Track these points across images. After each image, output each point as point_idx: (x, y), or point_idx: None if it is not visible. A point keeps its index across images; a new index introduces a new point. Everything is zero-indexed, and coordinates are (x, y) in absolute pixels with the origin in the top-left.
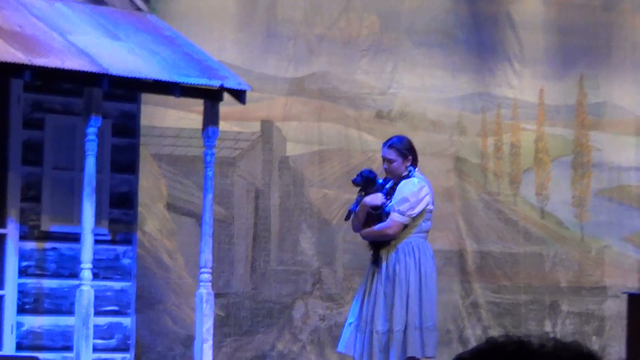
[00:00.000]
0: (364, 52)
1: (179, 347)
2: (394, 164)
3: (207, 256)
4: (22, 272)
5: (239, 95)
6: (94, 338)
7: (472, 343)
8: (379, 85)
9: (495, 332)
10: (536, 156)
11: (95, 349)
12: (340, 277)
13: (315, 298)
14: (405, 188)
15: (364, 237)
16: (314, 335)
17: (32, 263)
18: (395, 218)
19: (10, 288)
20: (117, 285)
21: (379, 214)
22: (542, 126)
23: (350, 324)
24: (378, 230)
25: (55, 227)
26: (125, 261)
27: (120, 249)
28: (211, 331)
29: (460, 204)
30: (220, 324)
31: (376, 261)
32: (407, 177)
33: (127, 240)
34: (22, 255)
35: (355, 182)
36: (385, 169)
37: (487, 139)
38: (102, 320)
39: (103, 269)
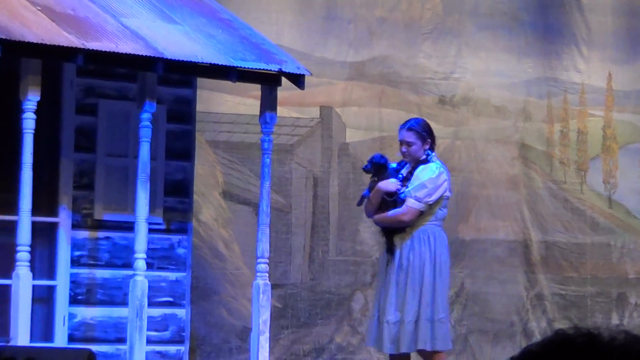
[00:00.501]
0: (426, 35)
1: (234, 339)
2: (413, 147)
3: (264, 246)
4: (75, 262)
5: (298, 80)
6: (148, 330)
7: (537, 336)
8: (442, 70)
9: (560, 325)
10: (604, 143)
11: (149, 341)
12: None
13: (375, 289)
14: (423, 174)
15: (377, 223)
16: None
17: (84, 253)
18: (411, 204)
19: (63, 278)
20: (171, 275)
21: (394, 200)
22: (611, 112)
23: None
24: (393, 216)
25: (108, 216)
26: (180, 251)
27: (175, 238)
28: (268, 323)
29: (525, 193)
30: (277, 316)
31: (390, 249)
32: (426, 161)
33: (182, 230)
34: (75, 245)
35: (365, 170)
36: (404, 153)
37: (553, 125)
38: (156, 312)
39: (157, 259)
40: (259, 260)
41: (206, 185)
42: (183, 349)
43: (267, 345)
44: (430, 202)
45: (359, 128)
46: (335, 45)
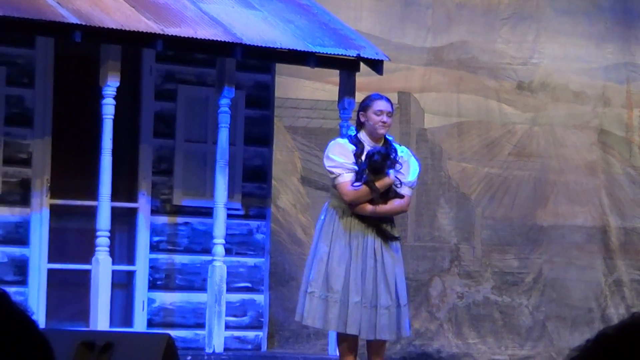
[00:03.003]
0: (504, 21)
1: None
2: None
3: None
4: (154, 248)
5: (376, 66)
6: (227, 315)
7: (615, 323)
8: (520, 55)
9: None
10: None
11: (228, 327)
12: (479, 254)
13: (452, 275)
14: (415, 164)
15: (374, 214)
16: (451, 314)
17: (163, 238)
18: (410, 194)
19: (142, 264)
20: (250, 261)
21: (394, 190)
22: None
23: (339, 300)
24: (399, 206)
25: (187, 201)
26: (259, 236)
27: (253, 224)
28: None
29: (604, 178)
30: None
31: (387, 234)
32: (393, 141)
33: (261, 215)
34: (154, 230)
35: (376, 161)
36: (384, 122)
37: (632, 110)
38: (235, 297)
39: (236, 245)
40: None
41: (284, 171)
42: (261, 334)
43: None
44: None
45: (437, 114)
46: (413, 30)
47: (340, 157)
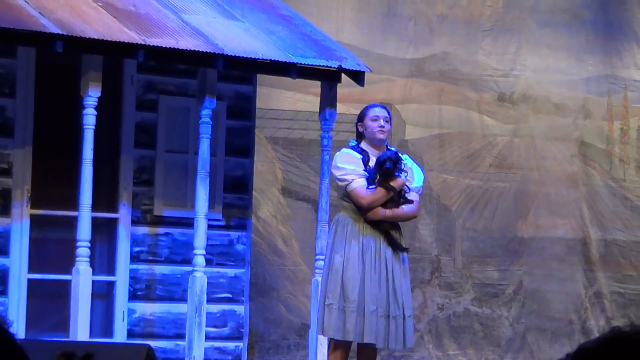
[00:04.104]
0: (486, 33)
1: (293, 336)
2: (390, 127)
3: (323, 242)
4: (134, 258)
5: (358, 77)
6: (207, 326)
7: (595, 334)
8: (502, 67)
9: (619, 324)
10: None
11: (208, 337)
12: (460, 266)
13: (433, 286)
14: (419, 170)
15: (386, 218)
16: (432, 325)
17: (144, 248)
18: (418, 199)
19: (122, 274)
20: (230, 271)
21: (403, 195)
22: None
23: (357, 309)
24: (410, 212)
25: (168, 212)
26: (239, 247)
27: (234, 234)
28: None
29: (585, 190)
30: None
31: (396, 243)
32: (392, 149)
33: (242, 226)
34: (134, 241)
35: (388, 168)
36: (381, 127)
37: (613, 123)
38: (215, 308)
39: (216, 255)
40: (317, 256)
41: (265, 182)
42: (242, 345)
43: (326, 341)
44: None
45: (418, 125)
46: (395, 42)
47: (350, 165)
